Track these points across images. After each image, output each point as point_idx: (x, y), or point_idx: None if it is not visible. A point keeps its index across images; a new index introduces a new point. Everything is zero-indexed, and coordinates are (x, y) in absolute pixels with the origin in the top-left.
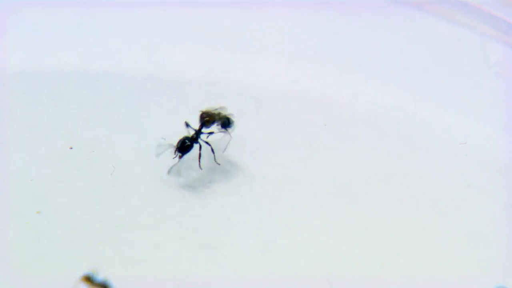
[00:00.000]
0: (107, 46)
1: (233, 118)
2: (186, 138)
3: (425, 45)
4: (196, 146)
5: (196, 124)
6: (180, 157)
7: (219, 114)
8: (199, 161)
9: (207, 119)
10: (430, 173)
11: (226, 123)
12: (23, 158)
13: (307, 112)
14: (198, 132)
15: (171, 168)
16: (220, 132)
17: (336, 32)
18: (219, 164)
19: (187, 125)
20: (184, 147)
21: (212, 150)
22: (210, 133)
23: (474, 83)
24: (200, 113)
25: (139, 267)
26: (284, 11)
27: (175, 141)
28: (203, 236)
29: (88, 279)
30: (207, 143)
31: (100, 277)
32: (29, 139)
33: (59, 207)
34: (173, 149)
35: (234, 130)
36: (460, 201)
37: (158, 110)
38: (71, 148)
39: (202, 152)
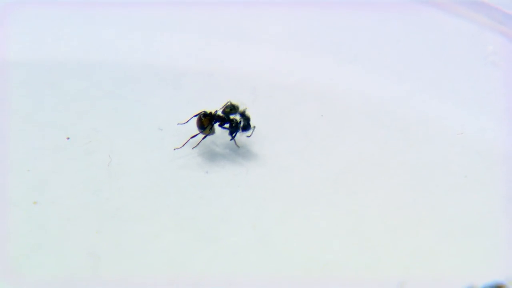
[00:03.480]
0: (104, 37)
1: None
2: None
3: (421, 36)
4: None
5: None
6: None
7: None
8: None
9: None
10: (427, 164)
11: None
12: (20, 149)
13: (303, 103)
14: (220, 118)
15: (197, 144)
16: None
17: (333, 23)
18: (238, 147)
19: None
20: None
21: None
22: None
23: (470, 73)
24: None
25: (136, 257)
26: (281, 2)
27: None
28: (200, 227)
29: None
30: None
31: None
32: (25, 129)
33: (56, 197)
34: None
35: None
36: (457, 192)
37: (154, 100)
38: (68, 138)
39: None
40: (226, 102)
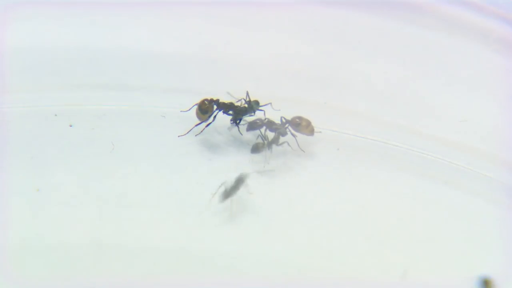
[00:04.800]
0: (107, 23)
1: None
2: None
3: (424, 22)
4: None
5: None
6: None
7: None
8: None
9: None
10: (430, 151)
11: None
12: (23, 136)
13: (307, 89)
14: (224, 105)
15: (200, 132)
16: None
17: (336, 9)
18: (242, 134)
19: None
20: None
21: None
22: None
23: (474, 60)
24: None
25: (139, 244)
26: None
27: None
28: (203, 214)
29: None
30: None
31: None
32: (28, 116)
33: (59, 184)
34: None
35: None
36: (460, 179)
37: (158, 87)
38: (70, 126)
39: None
40: (240, 100)
